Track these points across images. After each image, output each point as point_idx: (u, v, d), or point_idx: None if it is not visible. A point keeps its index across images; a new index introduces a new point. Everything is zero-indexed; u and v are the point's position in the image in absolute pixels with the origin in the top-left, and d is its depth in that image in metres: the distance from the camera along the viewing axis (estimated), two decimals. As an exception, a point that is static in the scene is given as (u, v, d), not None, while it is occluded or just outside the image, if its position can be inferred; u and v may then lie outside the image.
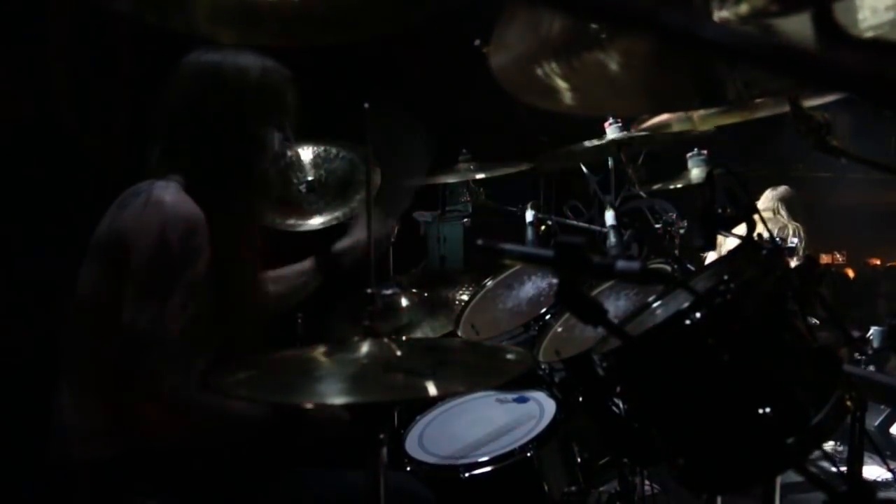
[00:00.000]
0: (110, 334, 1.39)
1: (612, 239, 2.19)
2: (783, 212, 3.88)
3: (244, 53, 1.53)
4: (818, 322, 1.46)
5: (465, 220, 3.22)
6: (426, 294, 2.52)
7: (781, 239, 3.30)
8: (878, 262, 6.06)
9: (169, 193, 1.42)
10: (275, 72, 1.56)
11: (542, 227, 2.52)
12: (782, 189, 4.00)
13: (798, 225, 3.84)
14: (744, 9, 0.81)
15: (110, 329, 1.38)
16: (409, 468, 1.76)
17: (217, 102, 1.51)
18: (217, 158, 1.50)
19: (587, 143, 2.28)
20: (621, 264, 0.91)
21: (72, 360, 1.47)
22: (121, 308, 1.37)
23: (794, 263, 1.52)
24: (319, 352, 1.23)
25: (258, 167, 1.57)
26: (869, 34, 0.76)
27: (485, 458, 1.69)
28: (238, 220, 1.53)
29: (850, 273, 5.57)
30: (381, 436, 1.17)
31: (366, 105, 1.29)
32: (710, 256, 3.22)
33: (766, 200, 3.91)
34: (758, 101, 1.59)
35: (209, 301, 1.45)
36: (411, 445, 1.83)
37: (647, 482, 2.01)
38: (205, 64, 1.52)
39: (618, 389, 1.81)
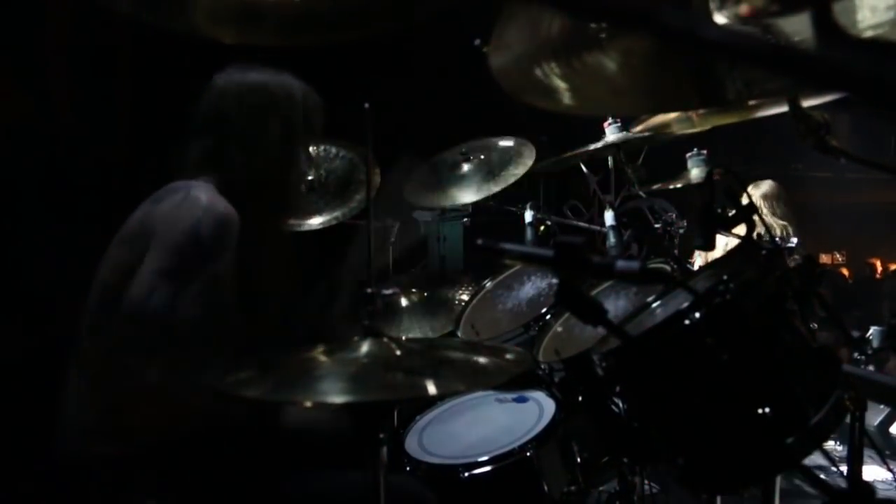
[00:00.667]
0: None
1: (612, 239, 2.19)
2: (765, 209, 3.73)
3: (286, 75, 1.64)
4: (817, 325, 1.46)
5: (465, 219, 3.22)
6: (426, 294, 2.52)
7: (781, 238, 3.28)
8: (878, 263, 6.07)
9: (206, 192, 1.48)
10: (312, 96, 1.67)
11: (542, 227, 2.52)
12: (765, 185, 3.84)
13: (784, 223, 3.74)
14: (743, 9, 0.81)
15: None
16: (408, 468, 1.76)
17: (264, 119, 1.60)
18: (252, 170, 1.58)
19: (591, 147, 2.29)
20: (621, 264, 0.91)
21: (84, 356, 1.47)
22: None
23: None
24: (319, 352, 1.23)
25: (287, 181, 1.66)
26: (868, 34, 0.76)
27: (484, 458, 1.69)
28: (264, 230, 1.60)
29: (846, 272, 5.58)
30: (381, 435, 1.17)
31: (366, 105, 1.30)
32: (698, 258, 3.21)
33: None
34: (757, 100, 1.59)
35: (229, 304, 1.49)
36: (411, 445, 1.83)
37: (646, 482, 2.01)
38: (252, 81, 1.61)
39: (617, 389, 1.81)
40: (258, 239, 1.55)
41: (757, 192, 3.78)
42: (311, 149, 1.73)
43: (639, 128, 2.19)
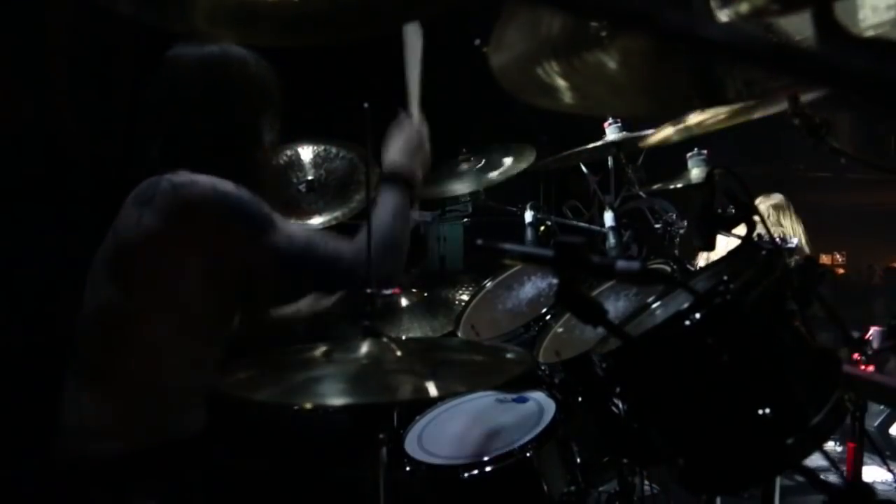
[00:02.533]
0: (134, 333, 1.44)
1: (612, 240, 2.19)
2: (772, 219, 3.79)
3: (229, 46, 1.56)
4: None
5: (465, 219, 3.22)
6: (426, 294, 2.52)
7: (782, 240, 3.27)
8: (880, 265, 6.06)
9: (188, 175, 1.45)
10: (258, 62, 1.60)
11: (542, 228, 2.51)
12: (775, 197, 3.89)
13: (784, 230, 3.75)
14: (744, 8, 0.81)
15: (135, 328, 1.44)
16: (408, 468, 1.75)
17: (208, 94, 1.54)
18: (214, 150, 1.52)
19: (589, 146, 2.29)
20: (621, 264, 0.91)
21: (85, 358, 1.47)
22: (153, 308, 1.43)
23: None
24: (319, 352, 1.23)
25: (254, 156, 1.60)
26: (869, 33, 0.76)
27: (484, 459, 1.69)
28: None
29: (841, 272, 5.58)
30: (381, 436, 1.17)
31: (366, 105, 1.29)
32: (701, 260, 3.21)
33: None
34: (756, 100, 1.59)
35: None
36: (411, 445, 1.82)
37: (646, 482, 2.01)
38: (192, 58, 1.54)
39: (617, 390, 1.81)
40: None
41: (768, 202, 3.83)
42: (277, 117, 1.65)
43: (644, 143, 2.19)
